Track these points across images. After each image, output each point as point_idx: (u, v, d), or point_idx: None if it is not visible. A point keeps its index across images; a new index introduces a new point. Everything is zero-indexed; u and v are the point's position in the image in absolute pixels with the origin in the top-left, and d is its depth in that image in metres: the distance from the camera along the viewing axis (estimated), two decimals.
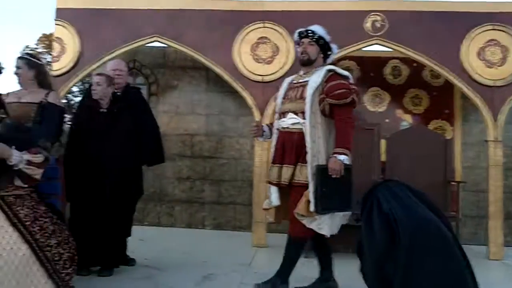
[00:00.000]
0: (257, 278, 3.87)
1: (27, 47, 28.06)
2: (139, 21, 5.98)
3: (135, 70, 7.20)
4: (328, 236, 3.63)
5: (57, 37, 6.09)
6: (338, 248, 5.26)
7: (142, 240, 5.46)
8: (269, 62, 5.77)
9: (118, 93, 4.51)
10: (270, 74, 5.75)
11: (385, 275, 3.01)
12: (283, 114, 3.81)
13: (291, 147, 3.67)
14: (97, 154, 4.14)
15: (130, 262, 4.58)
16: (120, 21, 5.99)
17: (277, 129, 3.85)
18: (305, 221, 3.55)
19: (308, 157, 3.54)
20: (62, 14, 6.08)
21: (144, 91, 6.81)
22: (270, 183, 3.81)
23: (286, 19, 5.77)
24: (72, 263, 3.21)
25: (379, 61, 6.96)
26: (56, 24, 6.09)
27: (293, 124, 3.69)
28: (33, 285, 2.98)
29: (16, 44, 38.01)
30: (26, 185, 3.31)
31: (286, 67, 5.73)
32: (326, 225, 3.56)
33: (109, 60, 5.49)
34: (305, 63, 3.79)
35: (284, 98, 3.86)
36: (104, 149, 4.16)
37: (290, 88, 3.86)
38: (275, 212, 3.86)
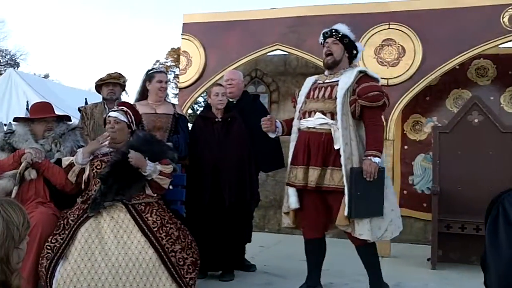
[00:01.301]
0: None
1: (157, 61, 30.08)
2: (261, 31, 6.06)
3: (256, 79, 7.30)
4: (371, 240, 3.45)
5: (183, 51, 6.39)
6: (472, 260, 4.90)
7: (262, 247, 5.48)
8: (394, 65, 5.52)
9: (234, 102, 4.59)
10: (396, 77, 5.49)
11: None
12: (308, 113, 3.64)
13: (317, 148, 3.51)
14: (213, 163, 4.25)
15: (251, 268, 4.61)
16: (242, 32, 6.13)
17: (299, 128, 3.68)
18: (349, 231, 3.43)
19: (342, 160, 3.40)
20: (189, 29, 6.37)
21: (265, 99, 6.90)
22: (289, 185, 3.65)
23: (412, 19, 5.50)
24: (195, 267, 3.29)
25: None
26: (182, 39, 6.39)
27: (320, 124, 3.54)
28: None
29: (148, 59, 41.35)
30: (155, 194, 3.47)
31: (412, 69, 5.44)
32: (367, 229, 3.39)
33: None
34: (330, 66, 3.68)
35: (307, 97, 3.70)
36: (219, 157, 4.25)
37: (315, 88, 3.69)
38: (293, 215, 3.72)
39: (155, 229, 3.22)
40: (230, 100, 4.59)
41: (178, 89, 6.79)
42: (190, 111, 7.51)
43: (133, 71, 46.25)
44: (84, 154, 3.51)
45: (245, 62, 6.23)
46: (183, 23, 6.42)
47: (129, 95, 4.86)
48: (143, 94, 4.44)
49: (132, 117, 3.64)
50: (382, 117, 3.60)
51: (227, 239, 4.24)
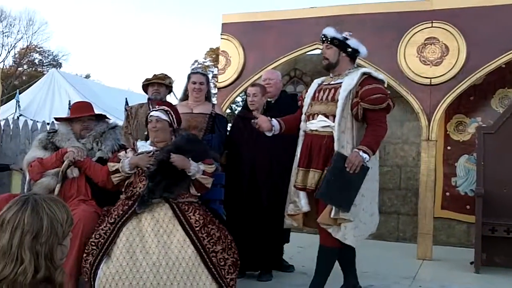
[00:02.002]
0: None
1: (196, 61, 30.38)
2: (300, 30, 6.02)
3: (296, 79, 7.26)
4: (354, 246, 3.41)
5: (222, 51, 6.41)
6: None
7: (301, 247, 5.44)
8: (437, 64, 5.39)
9: (272, 102, 4.57)
10: (439, 76, 5.36)
11: None
12: (312, 116, 3.59)
13: (319, 151, 3.47)
14: (251, 163, 4.25)
15: (289, 268, 4.60)
16: (281, 32, 6.10)
17: (304, 131, 3.64)
18: (330, 230, 3.36)
19: None
20: (228, 29, 6.39)
21: None
22: (296, 187, 3.60)
23: (457, 17, 5.35)
24: (235, 268, 3.28)
25: None
26: (221, 38, 6.41)
27: (323, 127, 3.49)
28: (199, 287, 3.08)
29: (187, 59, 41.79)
30: (198, 193, 3.49)
31: (456, 68, 5.30)
32: (352, 235, 3.33)
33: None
34: (325, 67, 3.66)
35: (313, 99, 3.65)
36: (257, 157, 4.24)
37: (320, 90, 3.64)
38: (303, 217, 3.65)
39: (197, 228, 3.23)
40: (269, 99, 4.57)
41: (216, 89, 6.80)
42: (228, 111, 7.53)
43: (172, 71, 46.85)
44: (131, 165, 3.54)
45: (284, 61, 6.20)
46: (222, 23, 6.45)
47: (177, 98, 4.88)
48: (186, 94, 4.49)
49: (173, 116, 3.69)
50: (386, 119, 3.50)
51: (266, 239, 4.22)
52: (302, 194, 3.59)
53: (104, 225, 3.28)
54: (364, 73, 3.50)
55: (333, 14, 5.88)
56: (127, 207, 3.35)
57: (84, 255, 3.20)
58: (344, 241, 3.35)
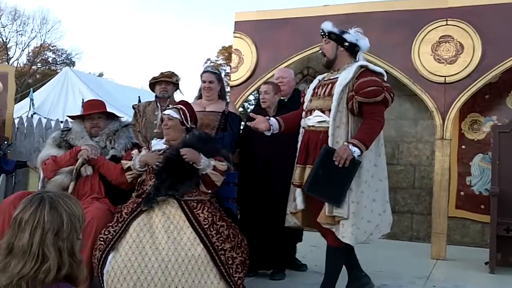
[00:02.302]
0: None
1: (208, 59, 30.41)
2: (313, 28, 5.96)
3: (308, 77, 7.24)
4: (353, 245, 3.32)
5: (235, 49, 6.40)
6: None
7: (313, 246, 5.42)
8: (452, 62, 5.34)
9: (285, 100, 4.56)
10: (453, 75, 5.32)
11: None
12: (310, 111, 3.54)
13: (315, 147, 3.40)
14: (264, 161, 4.24)
15: (302, 267, 4.59)
16: (294, 30, 6.08)
17: (303, 127, 3.60)
18: (334, 230, 3.31)
19: None
20: (240, 27, 6.38)
21: None
22: (293, 184, 3.55)
23: (472, 15, 5.30)
24: (244, 267, 3.28)
25: None
26: (234, 37, 6.41)
27: (319, 122, 3.43)
28: (207, 285, 3.10)
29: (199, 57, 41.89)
30: (209, 191, 3.48)
31: (471, 67, 5.25)
32: (350, 233, 3.24)
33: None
34: (325, 66, 3.60)
35: (312, 95, 3.60)
36: (270, 156, 4.23)
37: (319, 85, 3.59)
38: (302, 215, 3.59)
39: (206, 226, 3.24)
40: (282, 98, 4.56)
41: (229, 87, 6.80)
42: (241, 109, 7.53)
43: (184, 69, 47.01)
44: (141, 163, 3.58)
45: (297, 60, 6.19)
46: (235, 22, 6.44)
47: (184, 94, 4.89)
48: (201, 93, 4.52)
49: (187, 114, 3.68)
50: (383, 113, 3.40)
51: (279, 238, 4.21)
52: (298, 192, 3.54)
53: (114, 222, 3.31)
54: (361, 66, 3.41)
55: (346, 12, 5.84)
56: (136, 204, 3.38)
57: (93, 250, 3.23)
58: (342, 239, 3.27)
